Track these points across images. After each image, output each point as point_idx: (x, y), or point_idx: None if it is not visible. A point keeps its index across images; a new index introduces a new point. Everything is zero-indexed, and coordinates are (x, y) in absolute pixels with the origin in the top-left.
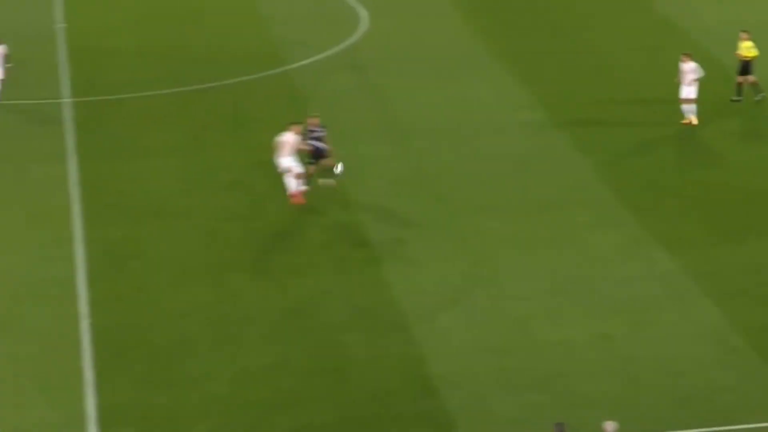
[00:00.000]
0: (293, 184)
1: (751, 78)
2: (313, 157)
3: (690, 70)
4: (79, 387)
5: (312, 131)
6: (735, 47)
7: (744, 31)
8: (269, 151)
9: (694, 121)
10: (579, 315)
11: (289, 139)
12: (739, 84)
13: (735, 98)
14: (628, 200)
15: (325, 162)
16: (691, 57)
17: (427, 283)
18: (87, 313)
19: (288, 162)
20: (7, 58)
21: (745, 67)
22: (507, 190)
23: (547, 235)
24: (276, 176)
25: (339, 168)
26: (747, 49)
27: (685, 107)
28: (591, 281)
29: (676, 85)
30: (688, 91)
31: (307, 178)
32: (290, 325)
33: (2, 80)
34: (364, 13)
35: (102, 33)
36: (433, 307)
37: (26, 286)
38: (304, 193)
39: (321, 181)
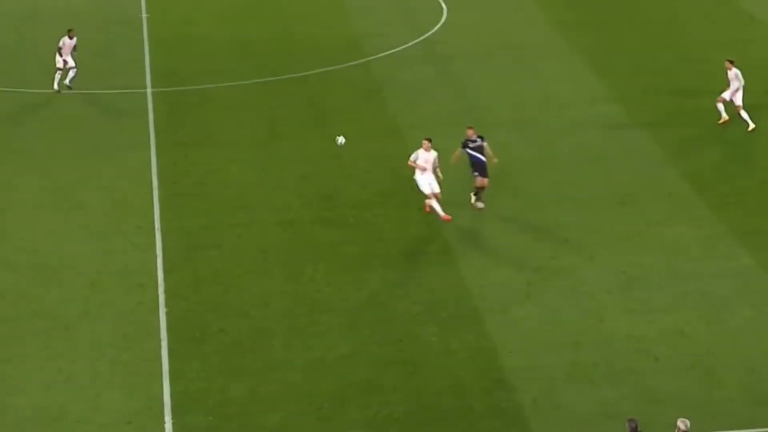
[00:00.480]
0: (436, 206)
1: None
2: (474, 168)
3: (732, 77)
4: (157, 375)
5: (470, 141)
6: None
7: None
8: (345, 142)
9: (722, 115)
10: (653, 310)
11: (422, 155)
12: None
13: None
14: (705, 195)
15: (481, 181)
16: (734, 64)
17: (502, 277)
18: (165, 301)
19: (424, 183)
20: (75, 48)
21: None
22: (583, 183)
23: (623, 229)
24: (351, 168)
25: (340, 140)
26: None
27: (719, 105)
28: (666, 276)
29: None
30: (730, 94)
31: (477, 191)
32: (365, 316)
33: (75, 68)
34: (444, 5)
35: (184, 23)
36: (507, 300)
37: (106, 274)
38: (478, 210)
39: (479, 205)
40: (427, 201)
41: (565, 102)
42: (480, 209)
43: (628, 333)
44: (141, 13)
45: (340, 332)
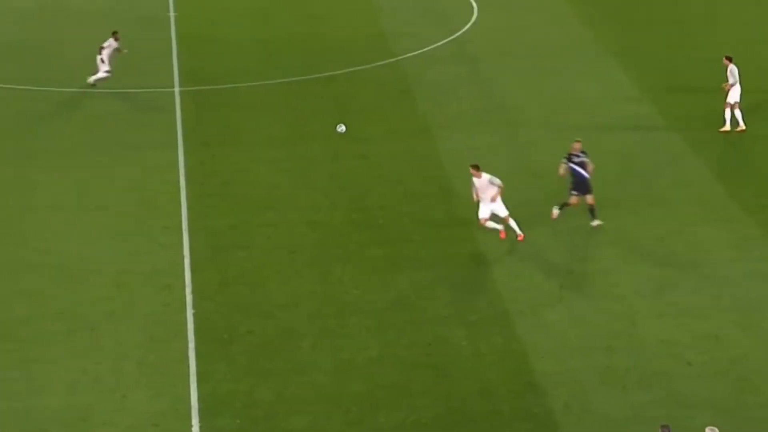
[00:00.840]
0: (513, 225)
1: None
2: (574, 186)
3: (728, 74)
4: (183, 376)
5: (573, 156)
6: None
7: None
8: (373, 142)
9: (726, 124)
10: (686, 314)
11: (476, 183)
12: None
13: None
14: (737, 197)
15: (587, 198)
16: (731, 60)
17: (532, 279)
18: (192, 302)
19: (485, 212)
20: (119, 50)
21: None
22: (614, 184)
23: (655, 231)
24: (380, 168)
25: (341, 128)
26: None
27: (728, 111)
28: (698, 279)
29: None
30: (729, 94)
31: (569, 206)
32: (394, 318)
33: (109, 72)
34: (474, 4)
35: (212, 22)
36: (538, 303)
37: (132, 274)
38: (596, 228)
39: (595, 223)
40: (484, 225)
41: (595, 102)
42: (554, 218)
43: (661, 337)
44: (169, 12)
45: (368, 334)
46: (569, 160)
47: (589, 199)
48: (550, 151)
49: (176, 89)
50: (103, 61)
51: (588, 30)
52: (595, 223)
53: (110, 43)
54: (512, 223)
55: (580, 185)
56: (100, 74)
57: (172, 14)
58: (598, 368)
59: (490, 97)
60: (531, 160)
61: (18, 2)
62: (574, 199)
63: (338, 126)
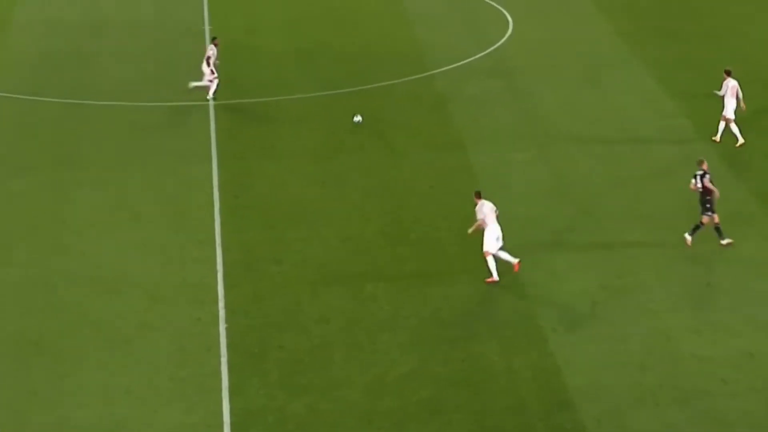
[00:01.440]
0: (500, 261)
1: None
2: (712, 206)
3: (723, 86)
4: (216, 390)
5: (707, 173)
6: None
7: None
8: (407, 156)
9: (739, 139)
10: (721, 330)
11: (483, 209)
12: None
13: None
14: None
15: (710, 219)
16: (729, 74)
17: (566, 295)
18: (224, 316)
19: (487, 243)
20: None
21: None
22: (650, 199)
23: (691, 247)
24: (414, 182)
25: (358, 118)
26: None
27: (732, 126)
28: (734, 296)
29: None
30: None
31: (697, 228)
32: (426, 333)
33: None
34: (510, 18)
35: (246, 35)
36: (572, 319)
37: (165, 288)
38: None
39: (725, 242)
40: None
41: (632, 116)
42: (730, 244)
43: (696, 354)
44: (203, 26)
45: (401, 350)
46: (702, 178)
47: (706, 219)
48: (585, 166)
49: (211, 102)
50: (213, 71)
51: (624, 43)
52: (726, 241)
53: (211, 49)
54: (491, 261)
55: (712, 203)
56: (210, 85)
57: (207, 27)
58: (632, 385)
59: (526, 112)
60: (566, 175)
61: (59, 13)
62: (706, 219)
63: (355, 116)
